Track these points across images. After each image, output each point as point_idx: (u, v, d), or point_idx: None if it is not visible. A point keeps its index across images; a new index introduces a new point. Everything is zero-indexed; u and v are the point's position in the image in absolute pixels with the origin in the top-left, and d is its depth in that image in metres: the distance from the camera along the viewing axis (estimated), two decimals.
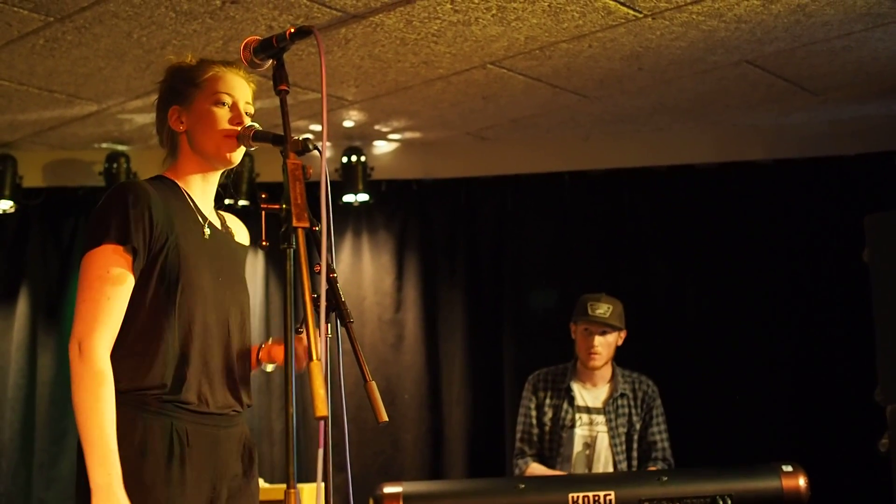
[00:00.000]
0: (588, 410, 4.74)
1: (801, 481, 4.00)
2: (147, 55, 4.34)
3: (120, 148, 5.71)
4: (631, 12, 4.05)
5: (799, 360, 5.60)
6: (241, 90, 2.65)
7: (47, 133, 5.49)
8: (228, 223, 2.80)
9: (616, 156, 5.95)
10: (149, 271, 2.50)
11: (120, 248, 2.45)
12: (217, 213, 2.77)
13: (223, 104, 2.62)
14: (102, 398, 2.38)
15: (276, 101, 2.25)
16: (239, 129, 2.59)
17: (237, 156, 2.65)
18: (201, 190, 2.68)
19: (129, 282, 2.47)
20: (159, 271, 2.51)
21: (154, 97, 2.75)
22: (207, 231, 2.64)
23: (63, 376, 5.68)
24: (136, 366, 2.48)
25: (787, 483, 3.99)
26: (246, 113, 2.64)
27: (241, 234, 2.81)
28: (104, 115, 5.18)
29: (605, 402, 4.74)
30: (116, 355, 2.45)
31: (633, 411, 4.73)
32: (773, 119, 5.71)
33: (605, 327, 4.69)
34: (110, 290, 2.44)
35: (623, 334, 4.78)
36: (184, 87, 2.66)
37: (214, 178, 2.71)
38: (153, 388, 2.47)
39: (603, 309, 4.69)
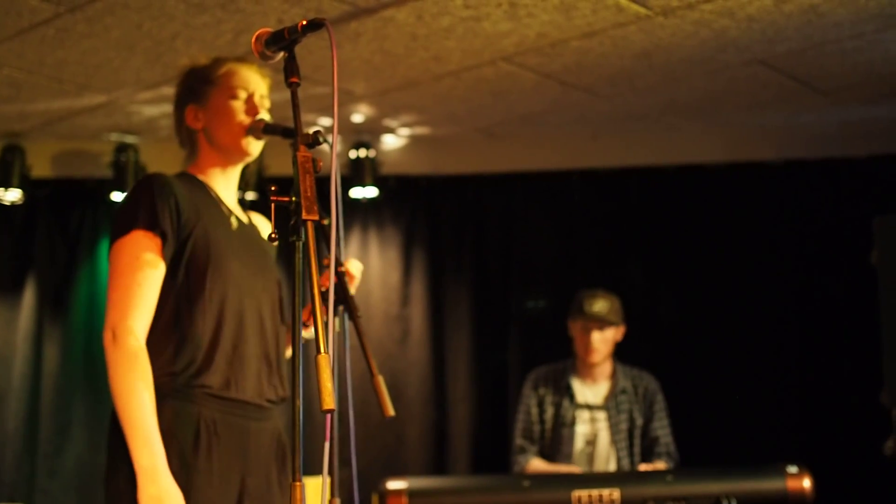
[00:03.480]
0: (589, 407, 4.74)
1: (806, 483, 4.00)
2: (157, 47, 4.33)
3: (129, 139, 5.69)
4: (642, 10, 4.04)
5: (805, 360, 5.59)
6: (255, 84, 2.69)
7: (56, 123, 5.49)
8: (254, 220, 2.83)
9: (625, 154, 5.94)
10: (178, 258, 2.51)
11: (149, 233, 2.47)
12: (242, 210, 2.81)
13: (239, 98, 2.65)
14: (140, 380, 2.37)
15: (287, 94, 2.24)
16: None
17: (256, 147, 2.68)
18: (223, 185, 2.72)
19: (161, 267, 2.48)
20: (188, 257, 2.52)
21: (164, 89, 2.79)
22: (234, 222, 2.67)
23: (68, 367, 5.69)
24: (167, 351, 2.47)
25: (791, 484, 4.00)
26: (261, 107, 2.68)
27: (266, 230, 2.82)
28: (113, 106, 5.17)
29: (606, 399, 4.74)
30: (148, 342, 2.45)
31: (635, 407, 4.73)
32: (783, 119, 5.69)
33: (602, 323, 4.69)
34: (141, 276, 2.44)
35: (622, 329, 4.78)
36: (199, 86, 2.70)
37: (235, 173, 2.74)
38: (181, 372, 2.46)
39: (600, 305, 4.69)
